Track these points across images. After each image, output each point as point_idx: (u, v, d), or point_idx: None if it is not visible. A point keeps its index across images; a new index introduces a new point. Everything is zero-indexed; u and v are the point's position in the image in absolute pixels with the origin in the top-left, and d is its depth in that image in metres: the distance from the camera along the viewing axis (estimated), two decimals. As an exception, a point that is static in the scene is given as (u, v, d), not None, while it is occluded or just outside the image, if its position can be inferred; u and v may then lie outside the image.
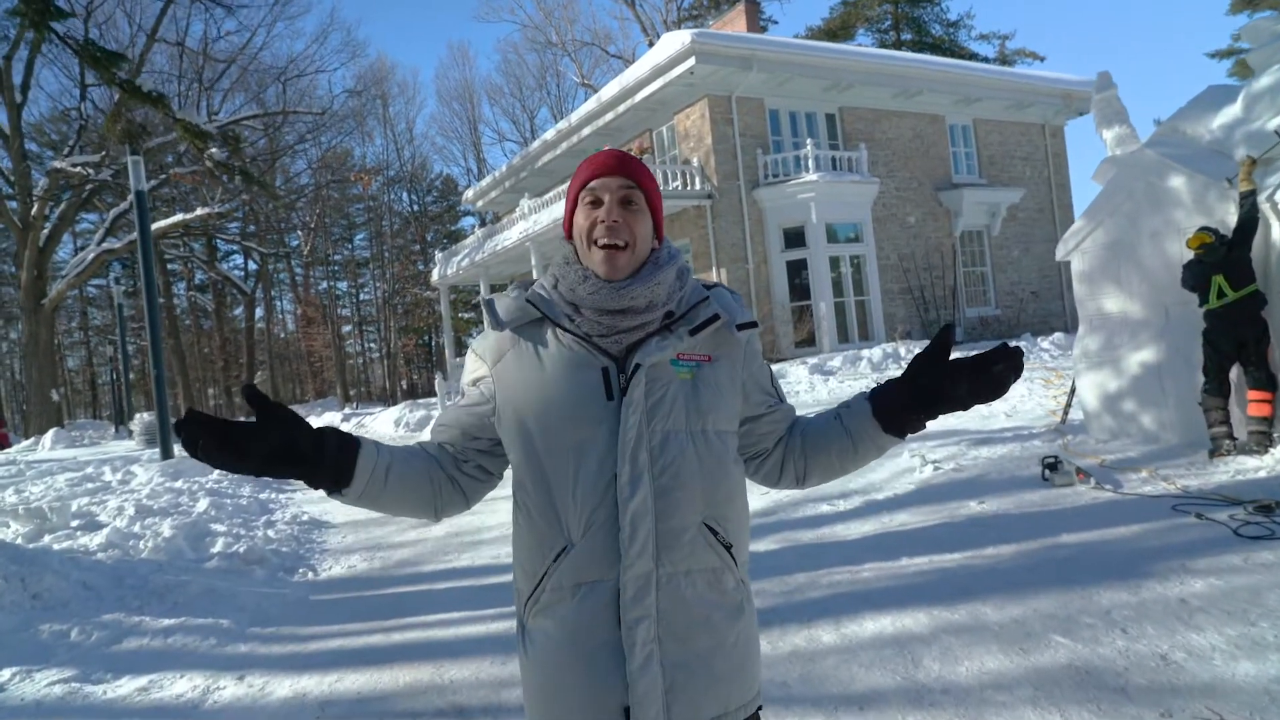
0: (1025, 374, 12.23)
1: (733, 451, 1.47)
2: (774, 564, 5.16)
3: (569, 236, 1.49)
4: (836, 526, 5.86)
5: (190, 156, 24.62)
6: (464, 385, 1.53)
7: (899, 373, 1.76)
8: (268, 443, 1.28)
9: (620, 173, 1.43)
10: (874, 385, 1.50)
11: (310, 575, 6.00)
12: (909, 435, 1.50)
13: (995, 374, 1.40)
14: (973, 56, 37.68)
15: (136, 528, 6.47)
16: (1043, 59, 39.84)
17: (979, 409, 9.68)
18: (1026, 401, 9.83)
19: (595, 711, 1.35)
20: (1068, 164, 21.94)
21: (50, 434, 18.23)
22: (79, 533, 6.41)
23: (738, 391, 1.47)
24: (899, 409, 1.47)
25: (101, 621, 4.66)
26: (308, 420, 1.34)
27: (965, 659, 3.51)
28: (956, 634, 3.78)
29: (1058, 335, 15.90)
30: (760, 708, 1.51)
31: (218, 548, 6.19)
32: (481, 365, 1.48)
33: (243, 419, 1.28)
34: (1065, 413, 8.04)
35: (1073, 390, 8.00)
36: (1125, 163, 7.06)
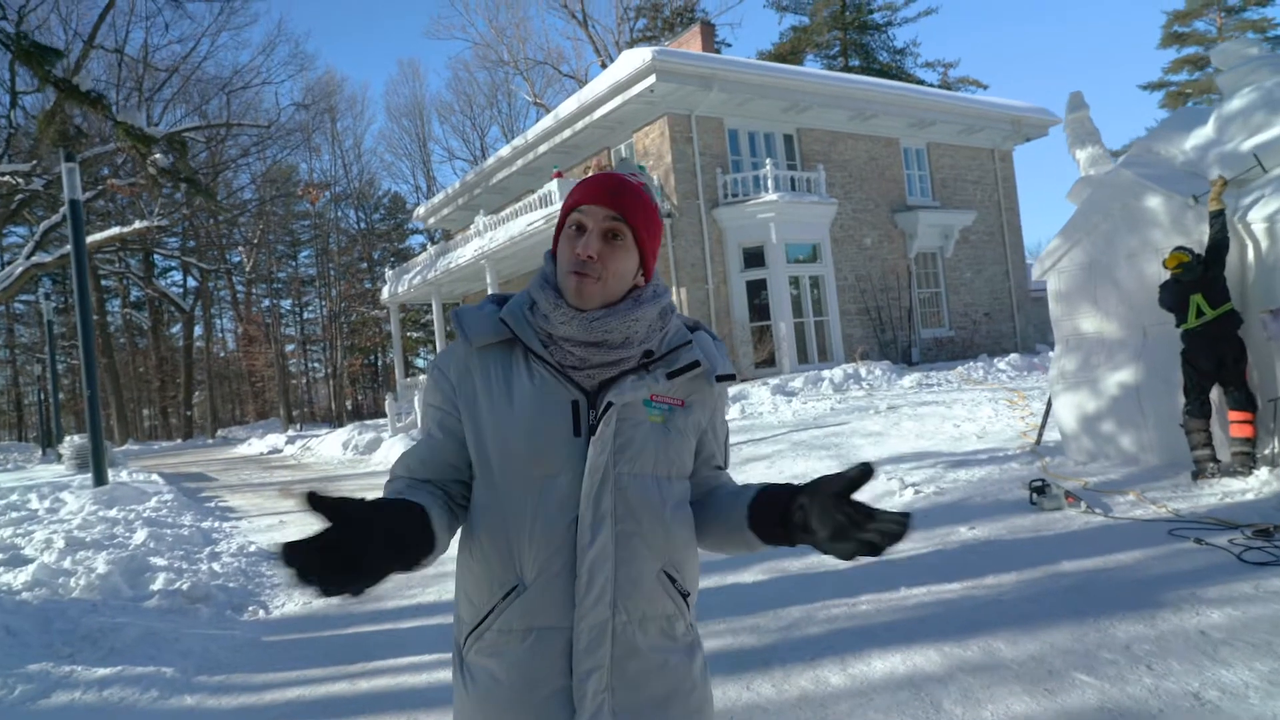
0: (990, 395, 12.31)
1: (687, 497, 1.43)
2: (765, 596, 4.89)
3: (554, 252, 1.43)
4: (825, 555, 5.61)
5: (128, 168, 23.68)
6: (427, 406, 1.44)
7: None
8: (378, 546, 1.10)
9: (610, 205, 1.35)
10: (766, 486, 1.38)
11: (262, 613, 5.54)
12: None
13: (870, 541, 1.21)
14: (919, 83, 38.47)
15: (67, 563, 5.92)
16: (986, 87, 40.91)
17: (950, 429, 9.67)
18: (995, 422, 9.79)
19: None
20: (1016, 188, 22.37)
21: (-30, 458, 17.15)
22: (1, 569, 5.84)
23: (695, 439, 1.43)
24: (775, 533, 1.33)
25: (26, 673, 4.17)
26: (361, 498, 1.13)
27: (988, 702, 3.28)
28: (973, 673, 3.55)
29: (1013, 356, 16.05)
30: None
31: (158, 584, 5.68)
32: (444, 381, 1.41)
33: (323, 524, 1.06)
34: (1040, 434, 7.97)
35: (1048, 411, 7.93)
36: (1101, 183, 7.04)
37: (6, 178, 16.14)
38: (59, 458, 17.43)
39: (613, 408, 1.31)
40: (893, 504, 6.81)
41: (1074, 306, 7.27)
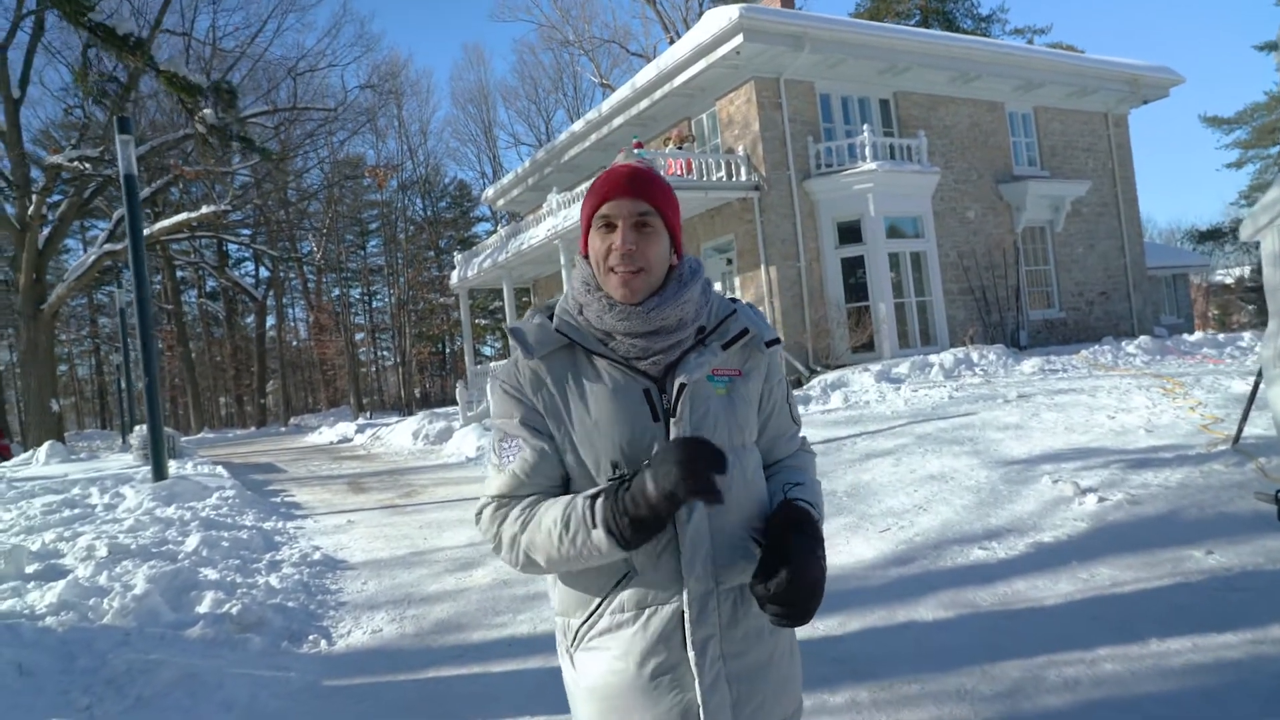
0: (1135, 382, 10.85)
1: (760, 463, 1.49)
2: (958, 644, 3.74)
3: (585, 255, 1.46)
4: (1017, 583, 4.44)
5: (194, 156, 23.45)
6: (507, 429, 1.43)
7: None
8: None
9: (633, 195, 1.39)
10: (783, 503, 1.46)
11: (323, 644, 4.62)
12: None
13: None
14: (1009, 51, 36.21)
15: (103, 578, 5.10)
16: (1081, 53, 38.29)
17: (1104, 422, 8.32)
18: (1158, 414, 8.38)
19: None
20: (1132, 156, 20.43)
21: (45, 447, 16.94)
22: (31, 584, 5.05)
23: (756, 406, 1.49)
24: None
25: (29, 734, 3.30)
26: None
27: None
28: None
29: (1143, 339, 14.43)
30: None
31: (204, 606, 4.82)
32: (520, 394, 1.43)
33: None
34: (1240, 429, 6.59)
35: (1251, 400, 6.55)
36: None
37: (75, 162, 15.78)
38: (130, 447, 17.14)
39: (686, 388, 1.37)
40: (1069, 513, 5.58)
41: (1298, 272, 5.87)
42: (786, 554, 1.30)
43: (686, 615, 1.34)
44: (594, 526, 1.28)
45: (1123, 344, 14.37)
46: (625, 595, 1.36)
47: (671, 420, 1.35)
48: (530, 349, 1.41)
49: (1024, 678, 3.35)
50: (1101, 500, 5.65)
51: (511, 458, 1.41)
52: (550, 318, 1.45)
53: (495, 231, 23.48)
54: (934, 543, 5.40)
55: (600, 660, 1.39)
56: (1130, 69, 19.36)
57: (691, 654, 1.34)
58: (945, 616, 4.12)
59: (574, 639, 1.42)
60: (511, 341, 1.43)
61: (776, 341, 1.49)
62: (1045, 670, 3.38)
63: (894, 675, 3.48)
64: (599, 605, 1.38)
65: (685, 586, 1.34)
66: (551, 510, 1.35)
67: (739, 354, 1.46)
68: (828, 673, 3.57)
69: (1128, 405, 9.04)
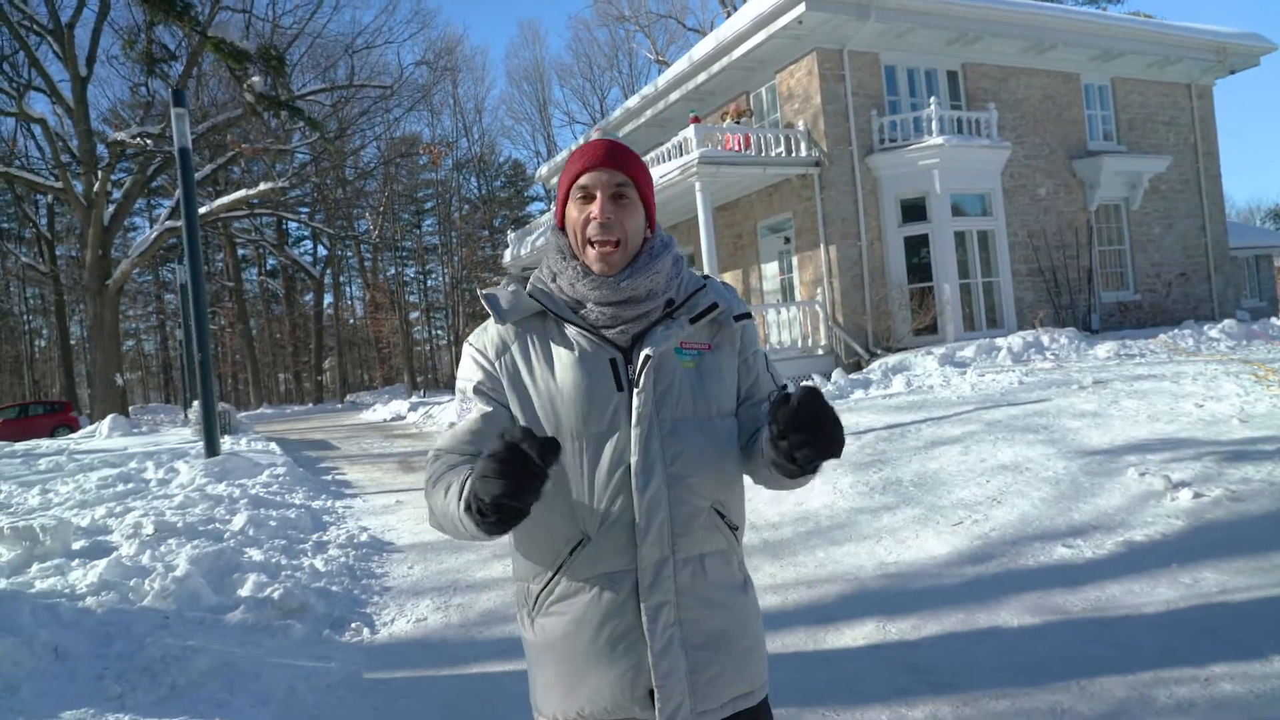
0: (1222, 368, 10.19)
1: (734, 436, 1.47)
2: (1048, 655, 3.39)
3: (561, 227, 1.50)
4: (1109, 587, 4.05)
5: (253, 136, 23.67)
6: (465, 390, 1.47)
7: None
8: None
9: (611, 166, 1.43)
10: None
11: (365, 632, 4.45)
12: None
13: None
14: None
15: (145, 558, 5.00)
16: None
17: (1192, 410, 7.78)
18: (1252, 403, 7.79)
19: (620, 697, 1.38)
20: (1216, 129, 19.29)
21: (108, 421, 17.34)
22: (75, 562, 4.97)
23: (734, 375, 1.49)
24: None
25: (58, 723, 3.16)
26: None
27: None
28: None
29: (1228, 323, 13.62)
30: (767, 694, 1.50)
31: (246, 589, 4.68)
32: (483, 358, 1.46)
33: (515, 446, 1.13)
34: (1352, 420, 6.04)
35: (1366, 391, 5.99)
36: None
37: (137, 139, 15.98)
38: (189, 422, 17.43)
39: (650, 359, 1.38)
40: (1161, 509, 5.14)
41: None
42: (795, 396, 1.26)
43: (640, 582, 1.36)
44: (459, 500, 1.25)
45: (1204, 328, 13.59)
46: (580, 562, 1.37)
47: (634, 390, 1.37)
48: (502, 314, 1.44)
49: (1129, 697, 2.99)
50: (1197, 496, 5.20)
51: (462, 418, 1.44)
52: (525, 285, 1.50)
53: (548, 210, 23.28)
54: (1012, 539, 5.03)
55: (558, 625, 1.41)
56: (1217, 36, 18.23)
57: (644, 619, 1.36)
58: (1031, 623, 3.76)
59: (534, 604, 1.44)
60: (485, 306, 1.45)
61: (746, 316, 1.51)
62: (1153, 689, 3.02)
63: (978, 688, 3.15)
64: (556, 572, 1.40)
65: (639, 553, 1.35)
66: (454, 475, 1.34)
67: (708, 328, 1.47)
68: (905, 683, 3.25)
69: (1217, 393, 8.45)
